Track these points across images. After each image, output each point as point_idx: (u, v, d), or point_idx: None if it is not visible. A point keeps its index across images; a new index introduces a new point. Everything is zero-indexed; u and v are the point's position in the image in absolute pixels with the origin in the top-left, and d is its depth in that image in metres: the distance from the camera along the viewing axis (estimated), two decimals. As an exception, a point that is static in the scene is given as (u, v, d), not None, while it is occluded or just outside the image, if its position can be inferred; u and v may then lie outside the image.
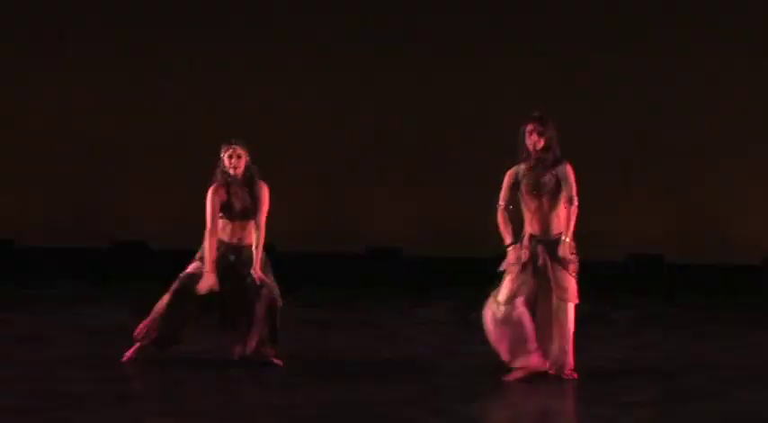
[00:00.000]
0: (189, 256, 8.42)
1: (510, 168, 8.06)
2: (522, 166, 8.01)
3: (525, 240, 8.00)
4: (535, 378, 7.89)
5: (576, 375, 8.03)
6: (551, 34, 12.86)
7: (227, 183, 8.27)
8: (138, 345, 8.30)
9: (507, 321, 7.93)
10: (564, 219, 7.90)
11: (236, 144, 8.34)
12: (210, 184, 8.29)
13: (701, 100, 12.71)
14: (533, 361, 7.95)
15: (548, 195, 7.91)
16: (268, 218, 8.36)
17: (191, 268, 8.36)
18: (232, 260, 8.33)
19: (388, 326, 10.21)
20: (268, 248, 8.42)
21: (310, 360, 8.50)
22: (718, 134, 12.74)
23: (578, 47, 12.70)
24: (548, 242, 7.95)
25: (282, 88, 13.42)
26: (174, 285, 8.29)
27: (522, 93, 12.70)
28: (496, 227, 8.08)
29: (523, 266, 7.96)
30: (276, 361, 8.32)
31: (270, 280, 8.33)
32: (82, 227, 13.22)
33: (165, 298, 8.30)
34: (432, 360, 8.69)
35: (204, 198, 8.31)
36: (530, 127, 7.94)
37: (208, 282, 8.15)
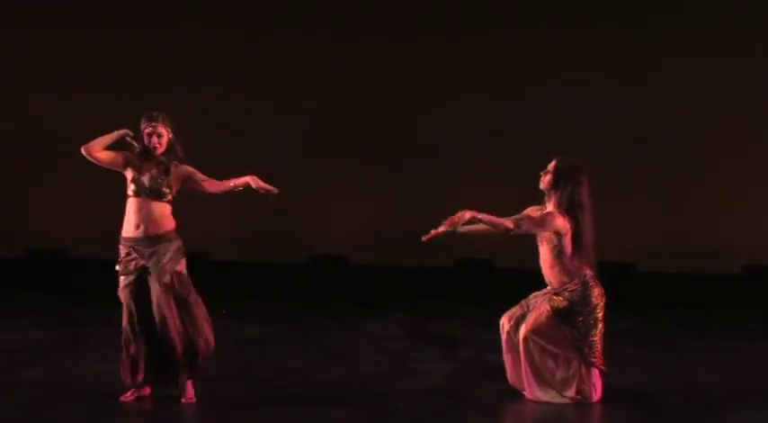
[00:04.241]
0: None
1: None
2: None
3: None
4: (506, 405, 7.65)
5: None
6: (517, 34, 12.95)
7: (143, 155, 7.37)
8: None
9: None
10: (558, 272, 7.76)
11: (156, 121, 7.41)
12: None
13: (682, 107, 12.84)
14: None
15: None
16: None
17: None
18: (139, 256, 7.33)
19: (333, 343, 9.81)
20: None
21: (246, 382, 8.08)
22: (696, 140, 12.80)
23: (547, 45, 12.70)
24: None
25: (213, 89, 13.12)
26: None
27: (475, 100, 12.72)
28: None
29: None
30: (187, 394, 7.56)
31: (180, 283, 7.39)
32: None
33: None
34: (382, 380, 8.31)
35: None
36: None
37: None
